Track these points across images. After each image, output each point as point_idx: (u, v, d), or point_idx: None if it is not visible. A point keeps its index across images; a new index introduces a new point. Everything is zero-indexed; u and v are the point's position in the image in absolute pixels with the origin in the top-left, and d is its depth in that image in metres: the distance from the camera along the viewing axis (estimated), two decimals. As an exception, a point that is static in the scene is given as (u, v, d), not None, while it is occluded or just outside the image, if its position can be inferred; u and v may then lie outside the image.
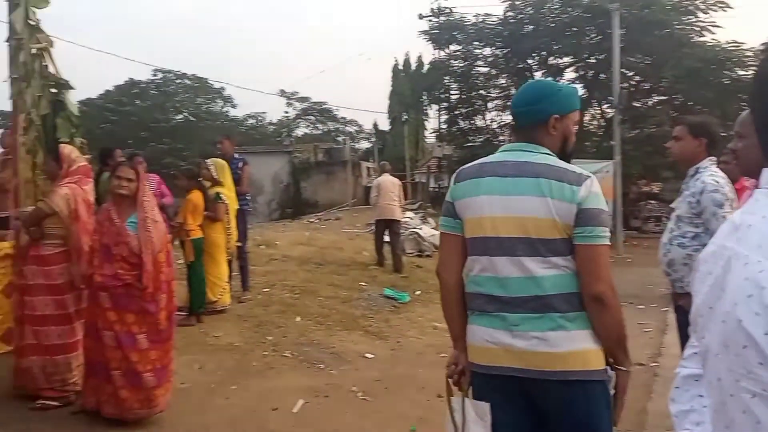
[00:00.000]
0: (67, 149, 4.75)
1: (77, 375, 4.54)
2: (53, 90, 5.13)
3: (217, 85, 34.86)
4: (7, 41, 4.93)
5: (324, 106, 40.58)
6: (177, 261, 5.95)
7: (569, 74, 21.80)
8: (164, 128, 32.33)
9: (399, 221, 10.97)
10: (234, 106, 37.61)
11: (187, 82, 34.85)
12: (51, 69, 5.10)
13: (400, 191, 11.00)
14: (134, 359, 4.23)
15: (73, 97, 5.34)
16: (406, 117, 35.16)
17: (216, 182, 7.41)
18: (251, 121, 40.95)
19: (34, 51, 4.94)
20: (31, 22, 4.99)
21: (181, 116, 34.79)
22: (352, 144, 37.02)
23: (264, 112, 41.71)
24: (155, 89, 34.24)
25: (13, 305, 4.77)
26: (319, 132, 41.21)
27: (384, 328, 7.37)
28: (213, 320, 6.96)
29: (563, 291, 2.09)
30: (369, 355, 6.28)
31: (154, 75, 33.57)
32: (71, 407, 4.48)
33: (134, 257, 4.27)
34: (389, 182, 10.92)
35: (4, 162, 6.82)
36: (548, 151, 2.20)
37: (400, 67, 36.36)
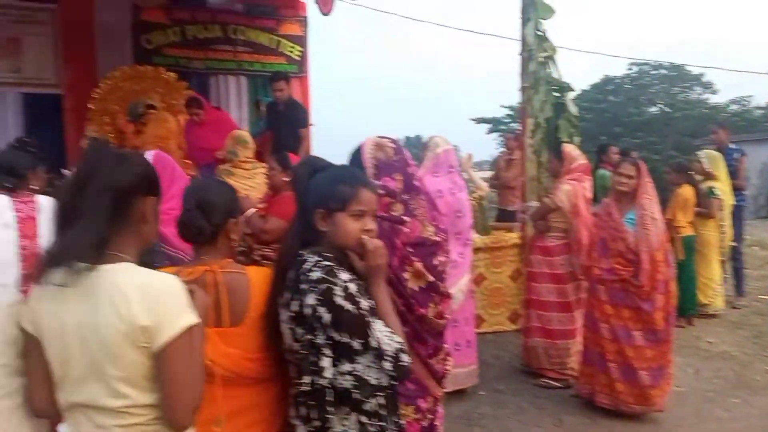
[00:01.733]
0: (568, 148, 5.05)
1: (575, 360, 4.80)
2: (556, 94, 5.54)
3: (695, 71, 32.33)
4: (520, 54, 5.53)
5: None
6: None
7: None
8: (637, 122, 31.72)
9: None
10: (714, 92, 34.26)
11: (663, 71, 33.35)
12: (555, 74, 5.52)
13: None
14: (629, 354, 4.23)
15: (572, 99, 5.67)
16: None
17: (709, 176, 6.84)
18: (734, 106, 36.64)
19: (541, 59, 5.42)
20: (539, 33, 5.49)
21: (655, 108, 33.55)
22: None
23: (750, 96, 36.74)
24: (630, 83, 33.87)
25: (521, 290, 5.35)
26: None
27: None
28: (704, 324, 6.48)
29: None
30: None
31: (629, 69, 33.25)
32: (569, 390, 4.77)
33: (630, 253, 4.26)
34: None
35: (508, 163, 7.75)
36: None
37: None
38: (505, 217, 7.50)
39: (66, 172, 5.75)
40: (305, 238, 1.88)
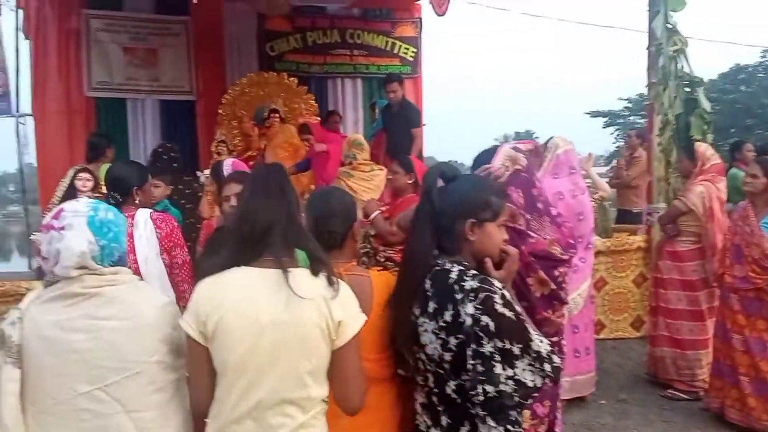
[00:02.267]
0: (702, 147, 4.76)
1: (706, 372, 4.53)
2: (687, 89, 5.24)
3: None
4: (647, 48, 5.28)
5: None
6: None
7: None
8: (772, 113, 29.25)
9: None
10: None
11: (802, 58, 30.53)
12: (686, 68, 5.22)
13: None
14: (764, 368, 3.95)
15: (705, 94, 5.34)
16: None
17: None
18: None
19: (671, 54, 5.14)
20: (669, 26, 5.21)
21: (793, 98, 30.76)
22: None
23: None
24: (763, 72, 31.28)
25: (649, 296, 5.10)
26: None
27: None
28: None
29: None
30: None
31: (763, 56, 30.70)
32: (698, 403, 4.51)
33: (766, 260, 3.96)
34: None
35: (629, 161, 7.41)
36: None
37: None
38: (626, 218, 7.18)
39: (200, 174, 6.17)
40: (440, 245, 1.92)
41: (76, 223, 1.67)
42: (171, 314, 1.77)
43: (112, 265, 1.72)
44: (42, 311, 1.66)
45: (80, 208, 1.72)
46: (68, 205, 1.74)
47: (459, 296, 1.76)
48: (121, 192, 3.00)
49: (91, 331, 1.64)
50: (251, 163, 6.91)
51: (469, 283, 1.76)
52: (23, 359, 1.64)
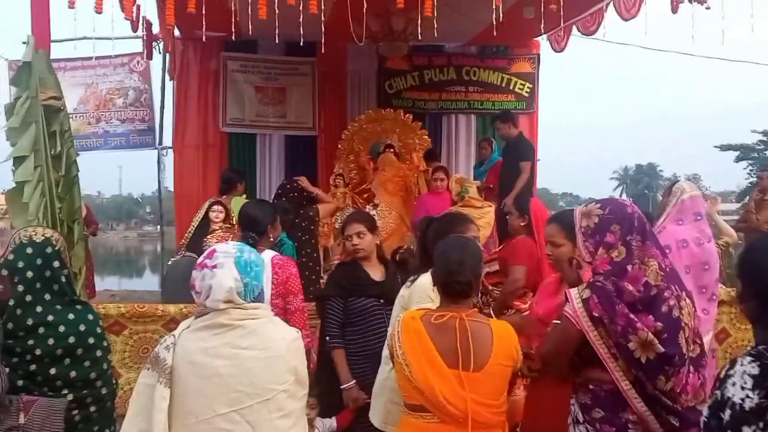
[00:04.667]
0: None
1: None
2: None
3: None
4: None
5: None
6: None
7: None
8: None
9: None
10: None
11: None
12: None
13: None
14: None
15: None
16: None
17: None
18: None
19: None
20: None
21: None
22: None
23: None
24: None
25: None
26: None
27: None
28: None
29: None
30: None
31: None
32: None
33: None
34: None
35: (759, 203, 6.99)
36: None
37: None
38: (756, 265, 6.72)
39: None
40: None
41: (226, 263, 1.91)
42: (298, 348, 1.97)
43: (253, 301, 1.93)
44: (192, 339, 1.90)
45: (230, 250, 1.96)
46: (220, 247, 2.00)
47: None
48: (257, 231, 3.21)
49: (233, 358, 1.85)
50: (365, 195, 7.23)
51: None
52: (173, 380, 1.86)
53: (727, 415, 1.49)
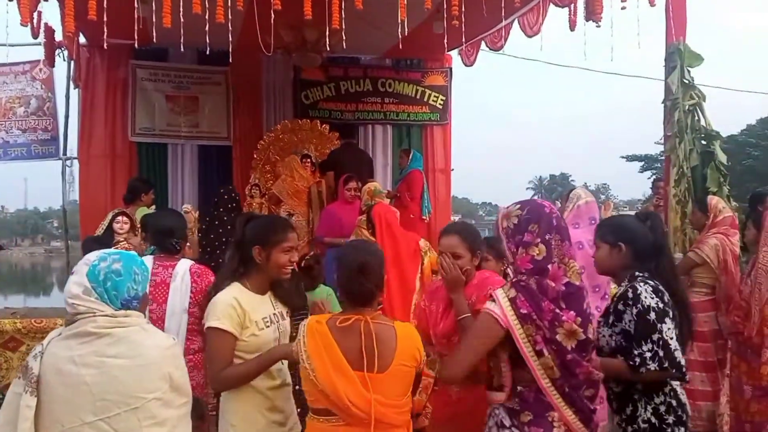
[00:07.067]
0: (714, 200, 4.85)
1: (726, 425, 4.53)
2: (703, 142, 5.36)
3: None
4: (663, 102, 5.44)
5: None
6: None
7: None
8: (815, 159, 28.61)
9: None
10: None
11: None
12: (702, 122, 5.34)
13: None
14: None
15: (721, 146, 5.44)
16: None
17: None
18: None
19: (687, 107, 5.28)
20: (686, 81, 5.36)
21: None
22: None
23: None
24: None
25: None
26: None
27: None
28: None
29: None
30: None
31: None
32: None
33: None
34: None
35: (656, 209, 7.45)
36: None
37: None
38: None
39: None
40: None
41: (79, 270, 1.91)
42: (174, 355, 1.98)
43: (123, 308, 1.91)
44: (60, 347, 1.87)
45: (90, 258, 1.94)
46: (89, 254, 1.97)
47: None
48: (176, 240, 3.21)
49: (100, 366, 1.84)
50: (282, 205, 7.22)
51: None
52: (40, 389, 1.84)
53: (653, 314, 2.38)
